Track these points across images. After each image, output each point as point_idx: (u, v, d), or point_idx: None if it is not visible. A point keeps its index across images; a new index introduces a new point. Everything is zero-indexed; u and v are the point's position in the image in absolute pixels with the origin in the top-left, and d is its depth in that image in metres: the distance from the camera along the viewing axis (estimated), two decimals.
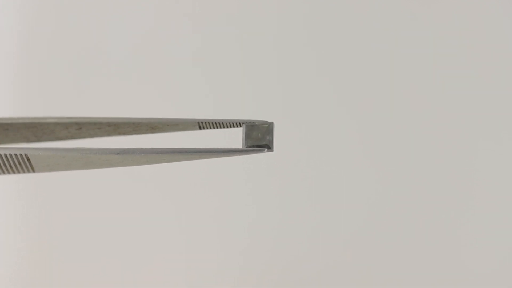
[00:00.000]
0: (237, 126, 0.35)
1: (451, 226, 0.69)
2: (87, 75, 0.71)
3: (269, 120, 0.35)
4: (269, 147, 0.34)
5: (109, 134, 0.38)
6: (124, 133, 0.38)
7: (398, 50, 0.69)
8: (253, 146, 0.34)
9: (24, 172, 0.35)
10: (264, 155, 0.67)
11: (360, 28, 0.69)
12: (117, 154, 0.33)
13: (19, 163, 0.34)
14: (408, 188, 0.69)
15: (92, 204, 0.71)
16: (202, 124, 0.36)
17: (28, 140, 0.39)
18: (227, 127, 0.35)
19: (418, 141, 0.69)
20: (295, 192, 0.70)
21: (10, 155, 0.34)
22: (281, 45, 0.70)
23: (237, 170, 0.70)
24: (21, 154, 0.33)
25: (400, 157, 0.69)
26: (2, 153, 0.34)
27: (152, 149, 0.33)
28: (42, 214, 0.72)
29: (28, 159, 0.34)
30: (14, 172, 0.34)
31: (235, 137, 0.37)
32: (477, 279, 0.68)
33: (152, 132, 0.37)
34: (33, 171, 0.34)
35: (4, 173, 0.35)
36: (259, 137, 0.34)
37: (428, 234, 0.69)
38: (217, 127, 0.35)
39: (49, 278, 0.71)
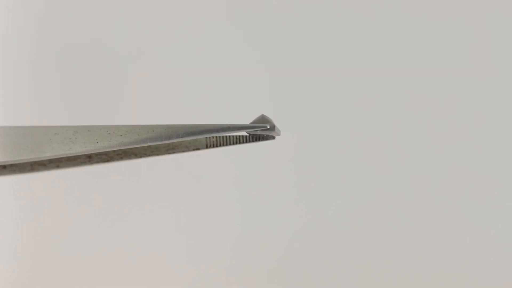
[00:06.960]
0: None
1: (449, 225, 0.69)
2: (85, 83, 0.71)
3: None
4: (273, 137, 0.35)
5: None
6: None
7: (395, 50, 0.69)
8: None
9: None
10: (259, 156, 0.67)
11: (355, 36, 0.69)
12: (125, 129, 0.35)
13: None
14: (403, 189, 0.69)
15: (91, 204, 0.71)
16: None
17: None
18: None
19: (416, 142, 0.69)
20: (288, 193, 0.70)
21: None
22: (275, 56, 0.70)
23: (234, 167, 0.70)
24: None
25: (396, 158, 0.69)
26: None
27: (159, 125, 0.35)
28: (40, 215, 0.71)
29: None
30: None
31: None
32: (475, 279, 0.68)
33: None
34: None
35: None
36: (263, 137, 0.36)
37: (426, 233, 0.69)
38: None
39: (48, 278, 0.71)
